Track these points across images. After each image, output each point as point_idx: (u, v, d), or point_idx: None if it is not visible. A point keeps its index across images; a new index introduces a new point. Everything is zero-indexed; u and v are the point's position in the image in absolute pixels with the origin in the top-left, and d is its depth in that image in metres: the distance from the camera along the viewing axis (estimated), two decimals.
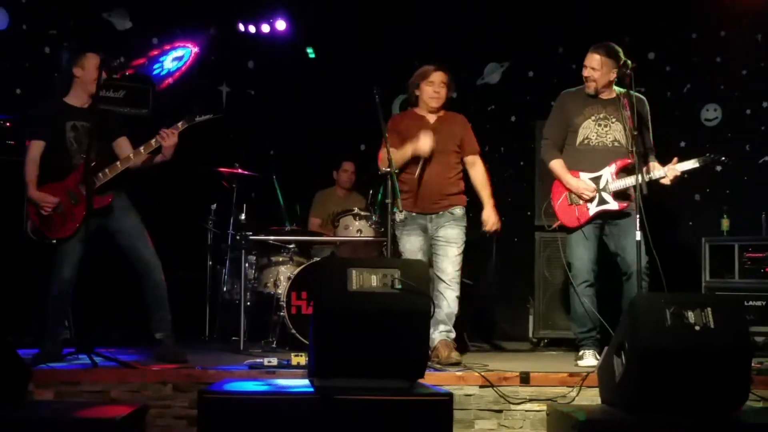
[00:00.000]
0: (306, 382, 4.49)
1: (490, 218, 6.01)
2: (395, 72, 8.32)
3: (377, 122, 5.75)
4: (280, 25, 8.67)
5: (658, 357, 4.10)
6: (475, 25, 8.29)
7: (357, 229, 6.99)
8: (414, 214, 5.93)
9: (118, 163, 5.59)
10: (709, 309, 4.18)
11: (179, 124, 5.59)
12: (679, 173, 5.64)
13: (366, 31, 8.47)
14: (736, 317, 4.25)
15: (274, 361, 5.21)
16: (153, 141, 5.58)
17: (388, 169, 5.57)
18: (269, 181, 7.71)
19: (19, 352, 4.39)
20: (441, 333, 5.79)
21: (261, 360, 5.29)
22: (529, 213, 7.80)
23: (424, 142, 5.77)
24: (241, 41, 8.71)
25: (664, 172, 5.66)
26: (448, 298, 5.85)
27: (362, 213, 7.01)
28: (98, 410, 4.22)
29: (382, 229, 6.69)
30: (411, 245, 5.90)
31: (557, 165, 5.93)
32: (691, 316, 4.16)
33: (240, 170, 7.42)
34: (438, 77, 5.94)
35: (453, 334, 5.87)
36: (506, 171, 8.27)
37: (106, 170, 5.55)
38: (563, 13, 8.10)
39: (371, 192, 7.21)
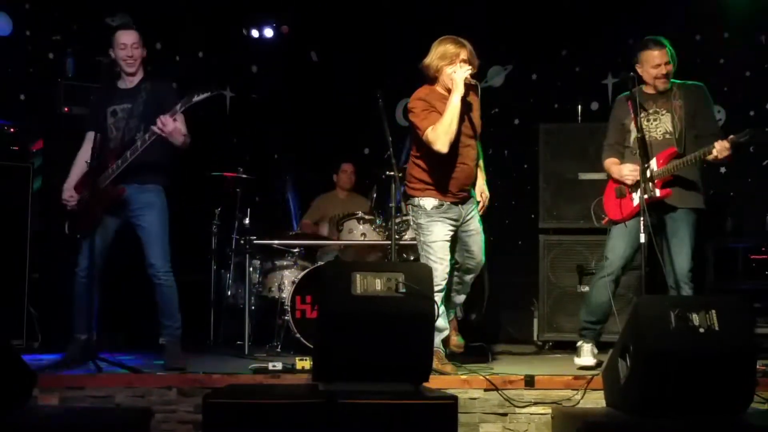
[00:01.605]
0: (311, 386, 4.49)
1: (484, 192, 5.73)
2: (398, 75, 8.35)
3: (380, 126, 5.74)
4: (284, 29, 8.67)
5: (663, 359, 4.10)
6: (477, 28, 8.27)
7: (361, 232, 7.01)
8: (449, 203, 5.49)
9: (127, 153, 5.47)
10: (713, 311, 4.18)
11: (177, 107, 5.39)
12: (728, 145, 5.38)
13: (368, 34, 8.46)
14: (741, 319, 4.25)
15: (279, 365, 5.20)
16: (147, 135, 5.44)
17: (392, 173, 5.55)
18: (273, 184, 7.71)
19: (24, 358, 4.41)
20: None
21: (265, 364, 5.29)
22: (533, 216, 7.78)
23: (464, 79, 5.37)
24: (244, 46, 8.72)
25: (711, 149, 5.45)
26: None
27: (366, 217, 7.02)
28: (103, 415, 4.23)
29: (387, 233, 6.71)
30: (445, 234, 5.46)
31: (609, 162, 5.87)
32: (695, 318, 4.16)
33: (244, 174, 7.42)
34: (460, 57, 5.45)
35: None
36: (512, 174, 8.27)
37: (117, 161, 5.47)
38: (566, 15, 8.09)
39: (374, 195, 7.22)
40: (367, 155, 8.63)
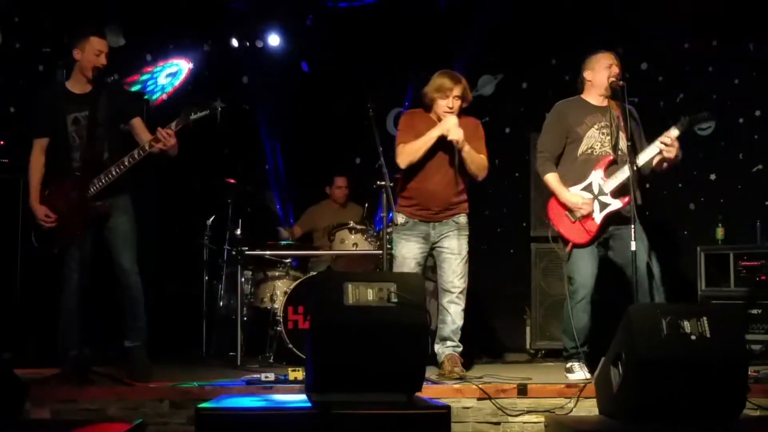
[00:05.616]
0: (303, 397, 4.48)
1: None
2: (389, 85, 8.37)
3: (372, 136, 5.75)
4: (274, 40, 8.68)
5: (655, 367, 4.10)
6: (468, 37, 8.31)
7: (353, 242, 7.01)
8: (416, 220, 5.80)
9: (113, 169, 5.36)
10: (705, 318, 4.18)
11: (173, 125, 5.33)
12: (671, 139, 5.47)
13: (360, 44, 8.48)
14: (733, 326, 4.26)
15: (271, 376, 5.18)
16: (138, 152, 5.36)
17: (383, 183, 5.55)
18: (265, 195, 7.70)
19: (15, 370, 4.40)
20: (448, 348, 5.72)
21: (258, 375, 5.28)
22: (524, 224, 7.81)
23: (453, 126, 5.63)
24: (235, 56, 8.72)
25: (657, 147, 5.50)
26: (453, 314, 5.73)
27: (358, 227, 7.02)
28: (95, 428, 4.21)
29: (379, 242, 6.71)
30: (407, 251, 5.78)
31: (553, 179, 5.73)
32: (687, 325, 4.16)
33: (235, 185, 7.41)
34: (454, 92, 5.73)
35: (460, 349, 5.79)
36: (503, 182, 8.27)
37: (102, 177, 5.34)
38: (556, 24, 8.12)
39: (366, 205, 7.22)
40: (359, 165, 8.63)
